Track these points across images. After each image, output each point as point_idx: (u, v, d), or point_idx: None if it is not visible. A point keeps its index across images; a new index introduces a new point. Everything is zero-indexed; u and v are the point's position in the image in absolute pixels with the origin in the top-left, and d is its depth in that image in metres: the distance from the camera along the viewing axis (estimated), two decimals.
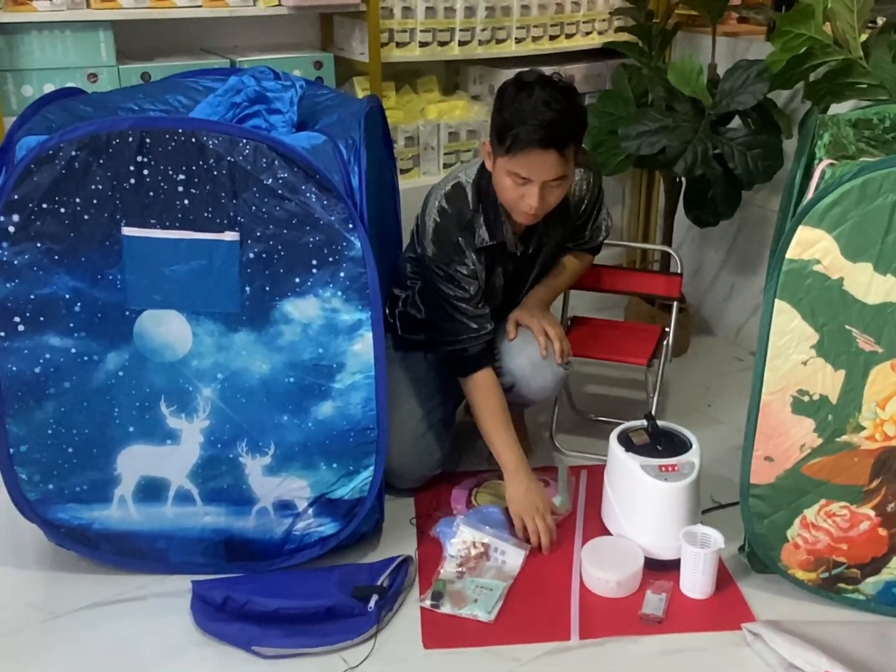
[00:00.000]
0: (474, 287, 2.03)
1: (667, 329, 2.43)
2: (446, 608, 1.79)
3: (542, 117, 1.80)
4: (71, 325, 1.71)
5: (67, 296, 1.69)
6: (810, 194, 1.61)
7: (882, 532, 1.73)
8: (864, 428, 1.67)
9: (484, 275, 2.06)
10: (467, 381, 2.08)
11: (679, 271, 2.50)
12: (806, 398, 1.68)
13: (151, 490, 1.83)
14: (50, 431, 1.77)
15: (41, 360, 1.72)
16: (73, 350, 1.72)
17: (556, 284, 2.25)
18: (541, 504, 2.00)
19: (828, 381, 1.66)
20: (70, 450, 1.79)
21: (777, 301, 1.64)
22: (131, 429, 1.78)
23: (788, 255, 1.61)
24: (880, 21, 2.36)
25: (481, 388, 2.07)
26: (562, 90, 1.86)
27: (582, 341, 2.40)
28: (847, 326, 1.62)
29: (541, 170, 1.85)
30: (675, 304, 2.45)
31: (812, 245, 1.59)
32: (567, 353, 2.11)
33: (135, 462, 1.81)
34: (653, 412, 2.28)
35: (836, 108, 2.17)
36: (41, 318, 1.70)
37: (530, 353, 2.08)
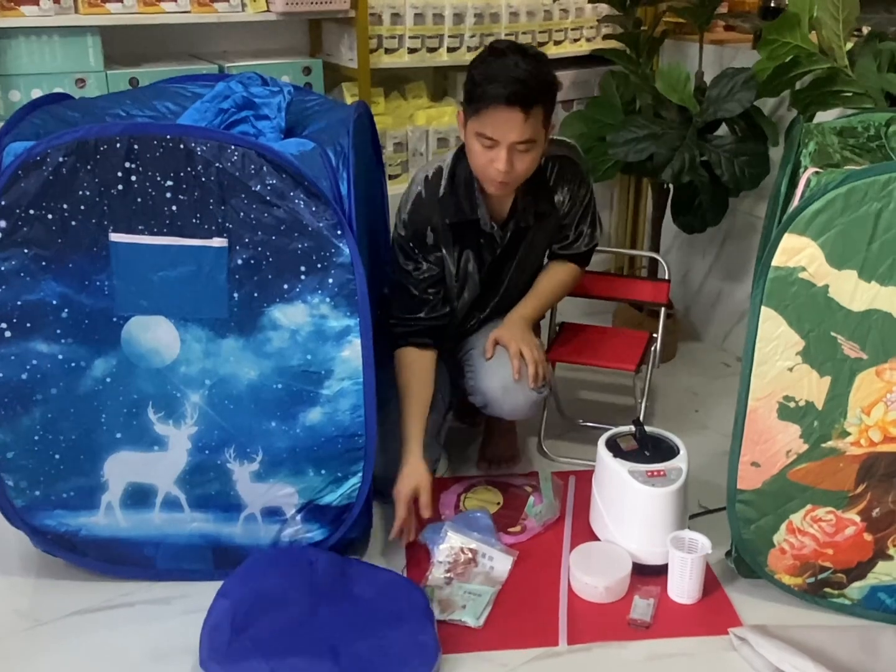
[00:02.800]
0: (431, 273, 2.05)
1: (654, 335, 2.44)
2: (435, 614, 1.79)
3: (509, 75, 1.83)
4: (58, 331, 1.70)
5: (55, 302, 1.69)
6: (796, 202, 1.62)
7: (867, 537, 1.75)
8: (849, 434, 1.68)
9: (455, 260, 2.07)
10: (399, 352, 2.08)
11: (667, 277, 2.51)
12: (792, 404, 1.69)
13: (139, 496, 1.82)
14: (37, 438, 1.76)
15: (28, 367, 1.72)
16: (61, 356, 1.72)
17: (539, 298, 2.19)
18: (404, 489, 1.95)
19: (813, 388, 1.67)
20: (57, 456, 1.78)
21: (763, 308, 1.65)
22: (118, 435, 1.78)
23: (774, 263, 1.62)
24: (865, 30, 2.38)
25: (402, 361, 2.07)
26: (532, 56, 1.89)
27: (570, 347, 2.41)
28: (832, 333, 1.63)
29: (506, 129, 1.85)
30: (663, 310, 2.45)
31: (798, 252, 1.60)
32: (542, 377, 2.04)
33: (122, 468, 1.80)
34: (641, 418, 2.29)
35: (822, 117, 2.19)
36: (28, 325, 1.70)
37: (503, 375, 2.04)
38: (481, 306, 2.19)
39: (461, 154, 2.03)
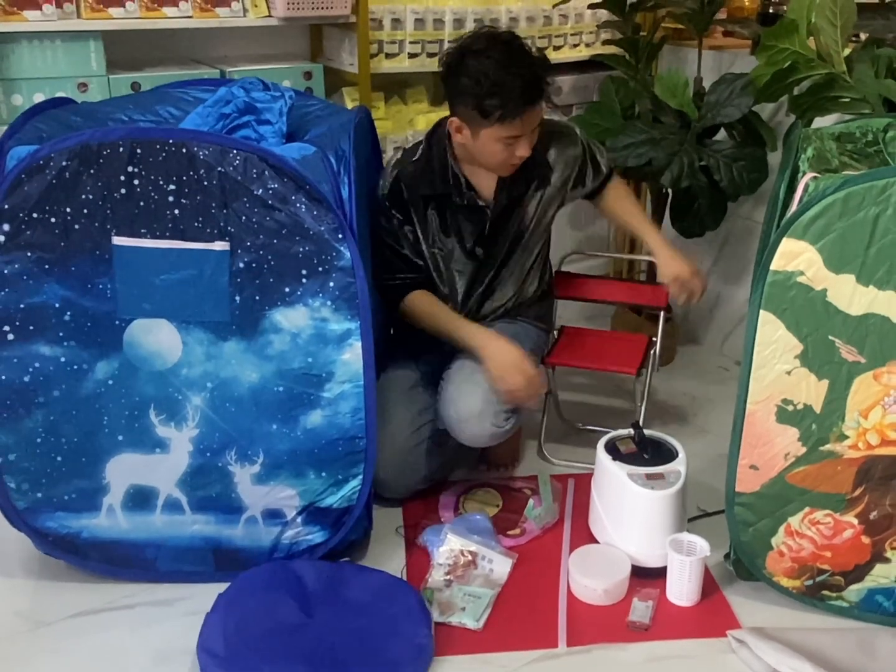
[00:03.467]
0: (410, 237, 2.09)
1: (654, 339, 2.44)
2: (434, 616, 1.80)
3: (522, 78, 1.86)
4: (61, 333, 1.71)
5: (57, 305, 1.70)
6: (794, 207, 1.63)
7: (865, 540, 1.76)
8: (847, 437, 1.69)
9: (434, 230, 2.10)
10: (403, 305, 2.11)
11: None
12: (790, 407, 1.70)
13: (140, 498, 1.83)
14: (39, 440, 1.77)
15: (30, 369, 1.73)
16: (63, 359, 1.73)
17: (644, 217, 2.28)
18: (519, 362, 1.98)
19: (812, 391, 1.68)
20: (59, 458, 1.79)
21: (762, 312, 1.66)
22: (120, 437, 1.78)
23: (773, 267, 1.63)
24: (863, 36, 2.40)
25: (417, 300, 2.10)
26: (511, 43, 1.90)
27: (571, 351, 2.41)
28: (830, 337, 1.64)
29: (531, 123, 1.94)
30: (662, 314, 2.45)
31: (796, 257, 1.61)
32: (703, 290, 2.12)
33: (124, 470, 1.81)
34: (641, 421, 2.29)
35: (820, 122, 2.19)
36: (31, 327, 1.70)
37: (462, 405, 2.01)
38: (479, 280, 2.19)
39: (433, 135, 2.08)
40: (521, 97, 1.86)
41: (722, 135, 2.66)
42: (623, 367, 2.35)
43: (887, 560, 1.76)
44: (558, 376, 2.49)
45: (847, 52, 2.22)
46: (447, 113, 2.10)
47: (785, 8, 2.46)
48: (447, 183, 2.06)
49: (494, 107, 1.86)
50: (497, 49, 1.88)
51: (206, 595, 1.77)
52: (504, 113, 1.86)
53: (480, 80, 1.86)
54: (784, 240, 1.61)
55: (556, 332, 2.51)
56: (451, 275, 2.17)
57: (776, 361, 1.68)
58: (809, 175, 1.64)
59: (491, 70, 1.85)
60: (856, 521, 1.75)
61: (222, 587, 1.77)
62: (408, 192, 2.06)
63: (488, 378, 1.98)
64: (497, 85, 1.84)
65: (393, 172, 2.08)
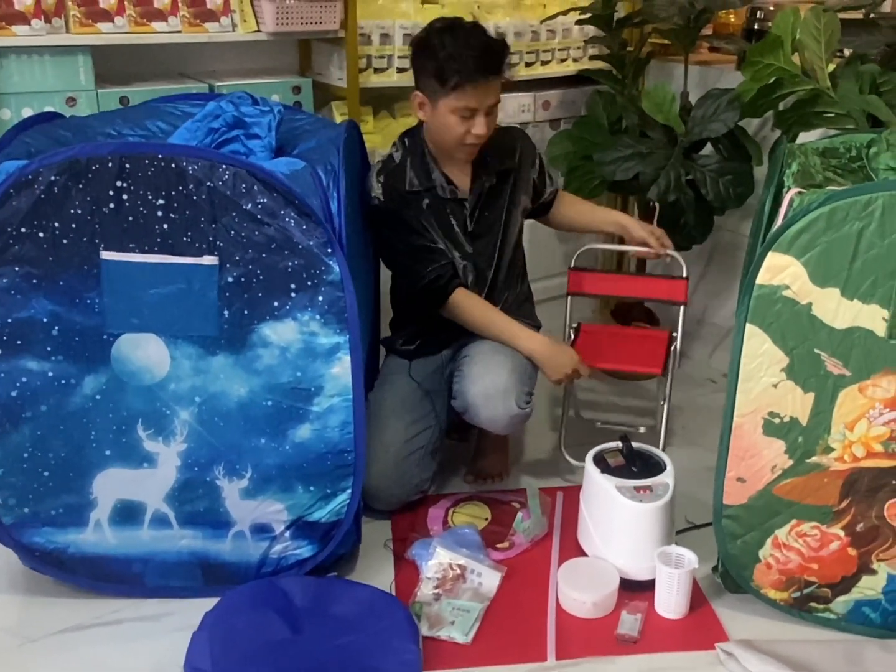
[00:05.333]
0: (422, 228, 2.12)
1: (674, 334, 2.39)
2: (423, 630, 1.79)
3: (479, 49, 1.98)
4: (48, 348, 1.71)
5: (45, 319, 1.69)
6: (779, 221, 1.65)
7: (852, 552, 1.76)
8: (833, 449, 1.70)
9: (433, 228, 2.14)
10: (448, 304, 2.13)
11: (684, 275, 2.38)
12: (777, 420, 1.71)
13: (128, 513, 1.82)
14: (26, 455, 1.76)
15: (18, 384, 1.72)
16: (51, 373, 1.72)
17: (590, 205, 2.45)
18: (574, 361, 2.16)
19: (798, 404, 1.69)
20: (46, 473, 1.78)
21: (748, 325, 1.67)
22: (108, 452, 1.78)
23: (758, 281, 1.64)
24: (847, 52, 2.43)
25: (464, 300, 2.14)
26: (476, 26, 2.07)
27: (593, 351, 2.32)
28: (816, 350, 1.65)
29: (486, 96, 2.02)
30: (682, 308, 2.37)
31: (781, 271, 1.62)
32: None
33: (111, 485, 1.80)
34: (664, 418, 2.30)
35: (805, 137, 2.22)
36: (18, 342, 1.70)
37: (487, 383, 2.05)
38: (481, 283, 2.22)
39: (408, 133, 2.16)
40: (475, 65, 1.97)
41: (708, 149, 2.68)
42: (648, 366, 2.32)
43: (874, 572, 1.77)
44: None
45: (831, 68, 2.25)
46: (410, 129, 2.16)
47: (770, 24, 2.48)
48: (429, 175, 2.12)
49: (452, 71, 1.97)
50: (458, 27, 2.02)
51: (193, 610, 1.76)
52: (459, 80, 1.96)
53: (440, 50, 1.98)
54: (769, 254, 1.62)
55: (571, 331, 2.45)
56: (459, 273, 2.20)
57: (762, 374, 1.69)
58: (794, 190, 1.65)
59: (452, 41, 1.98)
60: (842, 533, 1.76)
61: (210, 602, 1.76)
62: (401, 191, 2.10)
63: (544, 370, 2.16)
64: (455, 53, 1.97)
65: (379, 178, 2.11)
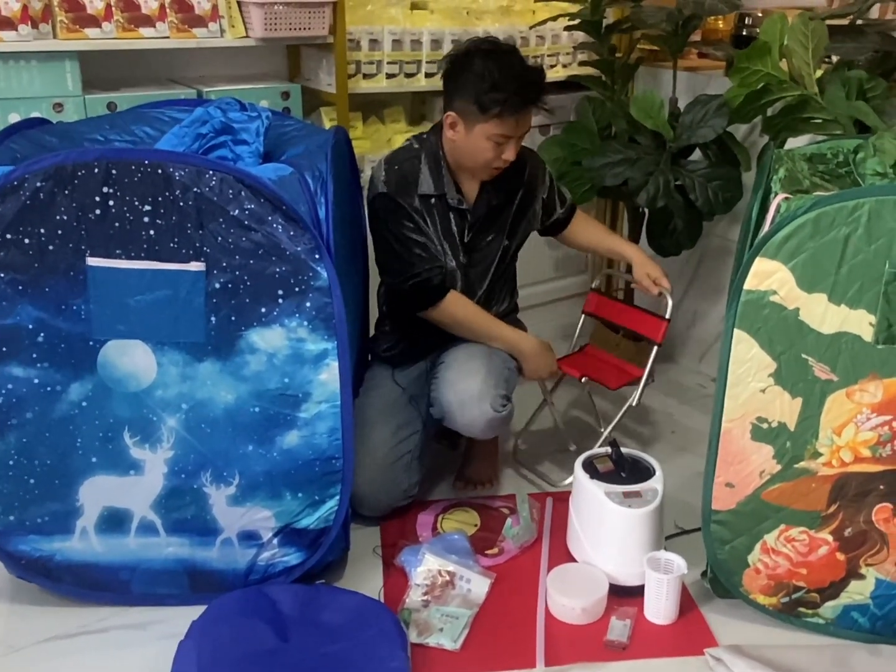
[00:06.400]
0: (420, 226, 2.11)
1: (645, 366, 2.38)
2: (412, 637, 1.79)
3: (523, 80, 1.99)
4: (34, 355, 1.70)
5: (31, 326, 1.68)
6: (767, 227, 1.65)
7: (840, 557, 1.77)
8: (821, 454, 1.70)
9: (432, 229, 2.13)
10: (438, 308, 2.13)
11: (667, 316, 2.37)
12: (765, 425, 1.71)
13: (114, 521, 1.81)
14: (11, 462, 1.75)
15: (3, 391, 1.71)
16: (36, 380, 1.71)
17: (606, 231, 2.48)
18: (553, 363, 2.27)
19: (786, 409, 1.69)
20: (32, 481, 1.77)
21: (736, 330, 1.67)
22: (94, 459, 1.77)
23: (746, 286, 1.64)
24: (835, 58, 2.43)
25: (455, 304, 2.14)
26: (514, 51, 2.07)
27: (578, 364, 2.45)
28: (803, 355, 1.65)
29: (524, 126, 2.04)
30: (655, 348, 2.36)
31: (769, 276, 1.62)
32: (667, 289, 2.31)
33: (97, 493, 1.79)
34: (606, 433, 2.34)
35: (793, 143, 2.22)
36: (4, 349, 1.69)
37: (462, 388, 2.06)
38: (468, 294, 2.22)
39: (430, 134, 2.15)
40: (519, 96, 1.97)
41: (697, 155, 2.68)
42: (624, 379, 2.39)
43: (862, 577, 1.77)
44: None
45: (819, 74, 2.25)
46: (425, 132, 2.13)
47: (758, 30, 2.49)
48: (442, 182, 2.11)
49: (494, 101, 1.96)
50: (501, 53, 2.01)
51: (180, 618, 1.75)
52: (502, 109, 1.97)
53: (485, 76, 1.97)
54: (757, 259, 1.62)
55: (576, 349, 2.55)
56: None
57: (750, 380, 1.69)
58: (781, 196, 1.66)
59: (495, 69, 1.97)
60: (830, 538, 1.76)
61: (197, 610, 1.76)
62: (411, 186, 2.10)
63: (525, 365, 2.21)
64: (499, 82, 1.96)
65: (393, 167, 2.11)
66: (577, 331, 2.55)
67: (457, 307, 2.14)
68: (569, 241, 2.46)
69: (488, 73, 1.97)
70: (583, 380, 2.38)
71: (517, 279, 2.41)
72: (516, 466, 2.45)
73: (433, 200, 2.12)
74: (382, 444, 2.10)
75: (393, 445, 2.11)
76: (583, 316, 2.54)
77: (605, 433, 2.37)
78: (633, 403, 2.34)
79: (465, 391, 2.06)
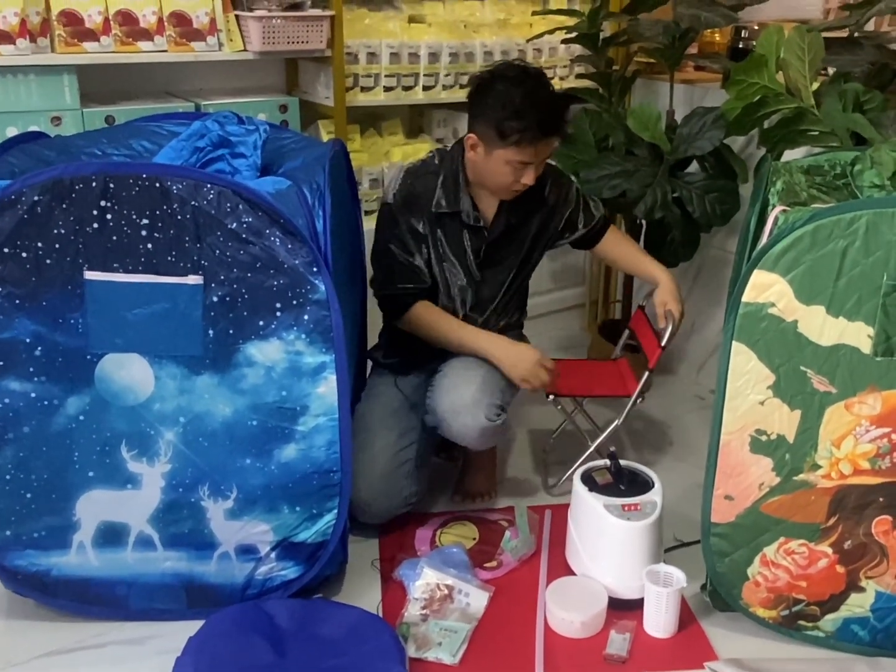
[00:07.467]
0: (417, 248, 2.12)
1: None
2: (410, 651, 1.78)
3: (544, 110, 1.97)
4: (31, 369, 1.69)
5: (28, 340, 1.68)
6: (765, 239, 1.65)
7: (840, 569, 1.76)
8: (820, 467, 1.70)
9: (442, 245, 2.14)
10: (407, 315, 2.14)
11: (662, 344, 2.30)
12: (764, 438, 1.71)
13: (111, 535, 1.81)
14: (8, 477, 1.74)
15: (0, 405, 1.70)
16: (33, 394, 1.71)
17: (637, 250, 2.41)
18: (534, 357, 2.11)
19: (785, 421, 1.69)
20: (28, 495, 1.76)
21: (734, 343, 1.67)
22: (91, 473, 1.76)
23: (744, 299, 1.64)
24: (831, 71, 2.44)
25: (422, 311, 2.14)
26: (541, 76, 2.04)
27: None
28: (802, 367, 1.65)
29: (543, 153, 2.03)
30: (647, 373, 2.35)
31: (767, 289, 1.62)
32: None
33: (94, 507, 1.79)
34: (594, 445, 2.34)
35: (790, 155, 2.23)
36: (0, 363, 1.69)
37: (455, 397, 2.06)
38: (478, 309, 2.23)
39: (453, 150, 2.14)
40: (539, 128, 1.96)
41: (694, 167, 2.69)
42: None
43: (862, 589, 1.76)
44: None
45: (815, 86, 2.26)
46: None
47: (755, 43, 2.50)
48: (458, 200, 2.11)
49: (513, 130, 1.96)
50: (527, 80, 2.00)
51: (178, 633, 1.74)
52: (521, 138, 1.96)
53: (506, 103, 1.96)
54: (755, 272, 1.62)
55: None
56: (454, 294, 2.20)
57: (749, 392, 1.69)
58: (779, 208, 1.66)
59: (517, 97, 1.96)
60: (830, 551, 1.75)
61: (195, 625, 1.74)
62: (420, 203, 2.11)
63: (505, 371, 2.10)
64: (520, 111, 1.95)
65: (407, 181, 2.12)
66: (621, 343, 2.58)
67: (420, 317, 2.14)
68: (600, 256, 2.47)
69: (510, 100, 1.96)
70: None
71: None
72: (514, 478, 2.44)
73: (446, 217, 2.12)
74: (384, 450, 2.10)
75: (395, 452, 2.11)
76: (626, 331, 2.57)
77: (592, 448, 2.36)
78: (619, 423, 2.35)
79: (459, 399, 2.05)
